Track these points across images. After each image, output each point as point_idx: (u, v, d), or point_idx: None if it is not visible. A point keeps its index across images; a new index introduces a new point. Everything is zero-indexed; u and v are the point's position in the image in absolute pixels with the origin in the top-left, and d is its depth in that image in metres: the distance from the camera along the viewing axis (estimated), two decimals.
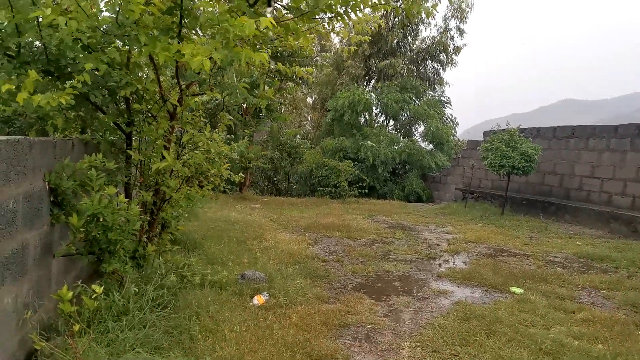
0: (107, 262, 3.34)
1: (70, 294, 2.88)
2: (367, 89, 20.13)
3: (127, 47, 4.28)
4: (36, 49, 4.28)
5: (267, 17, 4.55)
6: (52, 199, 3.33)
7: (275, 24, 3.28)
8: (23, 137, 2.83)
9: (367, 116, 20.30)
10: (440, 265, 6.29)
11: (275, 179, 17.85)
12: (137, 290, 3.63)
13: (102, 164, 3.68)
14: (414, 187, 16.57)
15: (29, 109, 3.60)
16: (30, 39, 3.90)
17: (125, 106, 4.93)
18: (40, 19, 3.60)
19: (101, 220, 3.20)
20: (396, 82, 19.27)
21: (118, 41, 4.11)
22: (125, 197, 4.99)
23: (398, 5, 5.35)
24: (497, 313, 4.30)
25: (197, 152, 5.05)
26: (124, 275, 3.58)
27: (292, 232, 8.05)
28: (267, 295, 4.39)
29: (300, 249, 6.53)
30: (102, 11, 3.77)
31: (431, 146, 18.57)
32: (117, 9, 3.51)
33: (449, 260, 6.56)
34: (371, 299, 4.71)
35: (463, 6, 19.17)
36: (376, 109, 20.60)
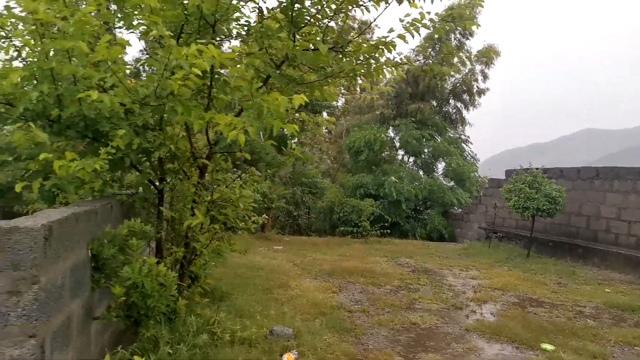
0: (145, 326, 3.46)
1: None
2: (384, 127, 20.15)
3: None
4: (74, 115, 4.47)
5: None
6: (92, 265, 3.49)
7: (307, 100, 3.45)
8: (71, 212, 3.01)
9: (386, 152, 20.38)
10: (467, 316, 6.24)
11: (296, 213, 17.98)
12: (171, 351, 3.73)
13: (140, 228, 3.85)
14: (436, 224, 16.51)
15: (67, 177, 3.80)
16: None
17: (157, 163, 5.12)
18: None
19: (140, 287, 3.34)
20: (413, 119, 19.41)
21: None
22: (157, 252, 5.17)
23: (418, 65, 5.55)
24: None
25: (227, 208, 5.21)
26: (159, 338, 3.68)
27: (316, 278, 8.09)
28: (296, 353, 4.43)
29: (325, 298, 6.56)
30: (142, 86, 4.00)
31: (452, 183, 18.56)
32: (156, 84, 3.73)
33: (476, 311, 6.50)
34: (399, 355, 4.71)
35: (491, 54, 19.39)
36: (396, 145, 20.80)
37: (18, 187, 3.42)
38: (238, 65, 4.80)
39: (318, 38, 4.68)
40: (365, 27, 4.77)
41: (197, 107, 4.31)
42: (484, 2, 5.15)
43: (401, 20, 4.06)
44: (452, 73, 20.10)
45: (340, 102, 25.21)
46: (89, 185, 4.29)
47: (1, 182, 3.37)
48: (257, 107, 3.53)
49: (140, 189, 5.11)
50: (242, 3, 5.01)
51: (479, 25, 4.97)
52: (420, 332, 5.49)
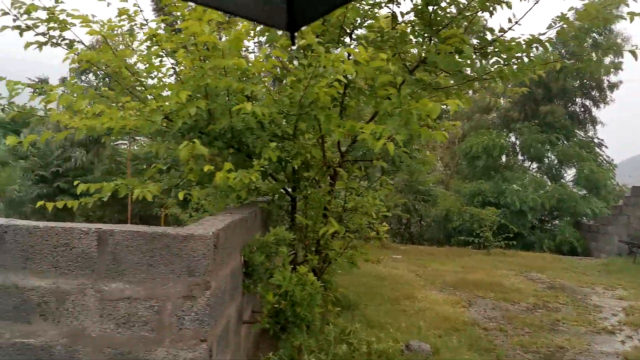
0: (292, 334, 3.50)
1: None
2: (503, 132, 18.94)
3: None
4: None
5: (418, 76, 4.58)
6: (243, 270, 3.62)
7: (462, 105, 3.27)
8: (231, 220, 3.13)
9: (504, 158, 19.12)
10: (623, 342, 5.52)
11: (406, 221, 17.60)
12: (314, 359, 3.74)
13: (284, 236, 3.93)
14: (566, 236, 15.05)
15: (222, 187, 4.02)
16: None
17: (291, 172, 5.21)
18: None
19: (290, 295, 3.38)
20: (537, 122, 17.98)
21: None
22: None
23: (571, 64, 5.06)
24: None
25: (360, 216, 5.16)
26: (303, 346, 3.71)
27: (441, 290, 7.75)
28: None
29: (456, 313, 6.24)
30: (286, 96, 4.09)
31: (584, 191, 16.83)
32: (302, 94, 3.78)
33: (633, 337, 5.73)
34: None
35: (619, 40, 17.30)
36: (517, 150, 19.46)
37: (181, 195, 3.67)
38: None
39: (459, 40, 4.45)
40: (512, 24, 4.44)
41: (335, 115, 4.32)
42: None
43: (563, 14, 3.69)
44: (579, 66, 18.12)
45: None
46: (236, 193, 4.51)
47: (156, 192, 3.61)
48: (404, 114, 3.41)
49: (276, 196, 5.27)
50: (375, 10, 4.97)
51: None
52: (570, 358, 4.95)
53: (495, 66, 4.30)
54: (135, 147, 19.71)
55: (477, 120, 19.93)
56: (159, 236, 2.48)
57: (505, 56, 4.54)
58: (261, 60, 3.42)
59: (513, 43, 4.08)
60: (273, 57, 3.95)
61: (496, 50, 4.41)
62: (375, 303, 6.26)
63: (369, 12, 4.72)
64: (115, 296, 2.45)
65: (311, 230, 5.19)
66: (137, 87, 4.44)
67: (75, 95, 3.88)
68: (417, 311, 6.13)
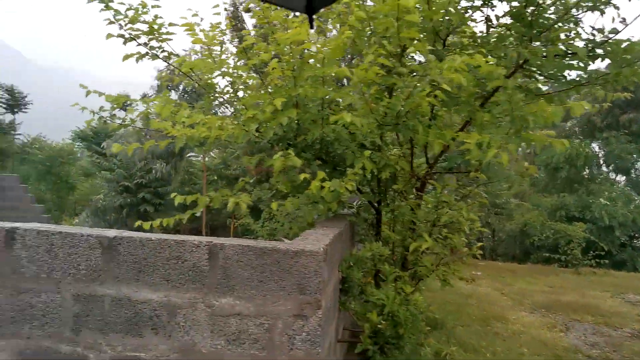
0: (392, 356, 3.29)
1: None
2: (586, 141, 17.82)
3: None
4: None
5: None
6: (339, 287, 3.47)
7: (588, 108, 2.96)
8: (333, 234, 3.00)
9: (587, 170, 17.88)
10: None
11: (478, 235, 16.90)
12: None
13: (380, 252, 3.75)
14: None
15: (315, 197, 3.90)
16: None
17: (376, 184, 5.02)
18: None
19: (392, 315, 3.19)
20: (626, 132, 16.71)
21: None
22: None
23: None
24: None
25: (453, 231, 4.88)
26: None
27: (532, 312, 7.22)
28: None
29: (554, 338, 5.75)
30: (384, 105, 3.90)
31: None
32: (403, 103, 3.60)
33: None
34: None
35: None
36: (602, 161, 18.18)
37: (274, 206, 3.59)
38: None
39: (566, 41, 4.10)
40: (624, 25, 4.08)
41: (433, 126, 4.10)
42: None
43: None
44: None
45: None
46: (326, 205, 4.38)
47: (249, 201, 3.54)
48: (518, 120, 3.14)
49: (361, 209, 5.11)
50: (469, 12, 4.71)
51: None
52: None
53: (612, 68, 3.90)
54: (207, 159, 20.33)
55: (558, 128, 18.86)
56: (269, 251, 2.38)
57: (618, 59, 4.13)
58: (363, 69, 3.27)
59: (627, 43, 3.68)
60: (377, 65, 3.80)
61: (608, 51, 4.01)
62: (463, 323, 5.91)
63: (464, 17, 4.48)
64: (225, 312, 2.37)
65: (399, 244, 4.97)
66: (227, 99, 4.46)
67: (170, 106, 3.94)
68: (511, 334, 5.72)
